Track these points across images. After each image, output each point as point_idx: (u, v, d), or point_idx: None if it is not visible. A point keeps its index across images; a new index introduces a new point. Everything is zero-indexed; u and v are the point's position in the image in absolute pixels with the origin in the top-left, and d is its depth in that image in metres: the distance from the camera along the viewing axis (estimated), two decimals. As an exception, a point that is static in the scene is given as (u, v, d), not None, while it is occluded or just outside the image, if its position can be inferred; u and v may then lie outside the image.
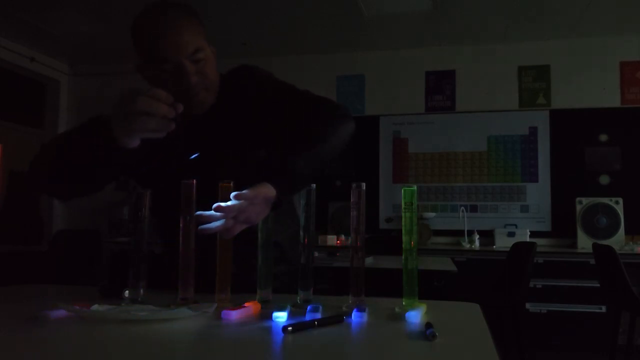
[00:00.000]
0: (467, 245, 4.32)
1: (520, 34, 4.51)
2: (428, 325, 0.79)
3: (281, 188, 1.01)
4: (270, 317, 0.89)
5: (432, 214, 4.60)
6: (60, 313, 0.89)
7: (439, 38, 4.64)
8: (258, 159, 1.18)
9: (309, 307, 0.93)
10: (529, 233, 4.29)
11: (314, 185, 1.01)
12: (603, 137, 4.43)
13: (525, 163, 4.56)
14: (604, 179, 4.39)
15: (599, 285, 3.30)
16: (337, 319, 0.88)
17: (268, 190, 0.99)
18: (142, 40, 1.14)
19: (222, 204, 0.93)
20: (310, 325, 0.83)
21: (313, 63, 5.03)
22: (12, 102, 5.15)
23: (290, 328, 0.79)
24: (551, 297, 3.86)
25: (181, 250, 1.03)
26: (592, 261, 3.46)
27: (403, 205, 0.98)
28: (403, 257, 0.97)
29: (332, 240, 4.37)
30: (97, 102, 5.30)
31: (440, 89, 4.81)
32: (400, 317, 0.91)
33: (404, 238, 0.98)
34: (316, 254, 3.01)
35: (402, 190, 0.98)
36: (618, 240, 4.03)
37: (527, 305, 3.86)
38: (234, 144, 1.24)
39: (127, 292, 1.03)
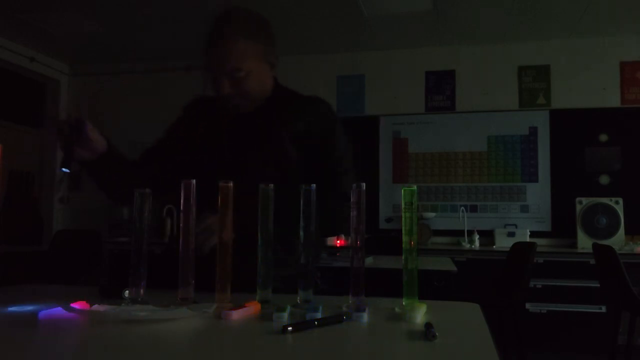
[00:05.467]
0: (467, 245, 4.32)
1: (520, 34, 4.51)
2: (428, 325, 0.79)
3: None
4: (270, 317, 0.89)
5: (432, 214, 4.60)
6: (60, 313, 0.89)
7: (439, 38, 4.64)
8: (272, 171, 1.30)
9: (309, 307, 0.93)
10: (529, 233, 4.29)
11: (314, 185, 1.02)
12: (603, 137, 4.43)
13: (525, 163, 4.56)
14: (604, 179, 4.39)
15: (599, 285, 3.30)
16: (337, 319, 0.88)
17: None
18: (203, 50, 1.33)
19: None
20: (310, 325, 0.83)
21: (313, 63, 5.03)
22: (12, 102, 5.15)
23: (290, 328, 0.80)
24: (551, 297, 3.86)
25: (181, 250, 1.03)
26: (592, 261, 3.46)
27: (403, 205, 0.98)
28: (403, 257, 0.97)
29: (332, 240, 4.37)
30: (97, 102, 5.33)
31: (440, 89, 4.81)
32: (400, 317, 0.91)
33: (404, 238, 0.98)
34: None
35: (402, 190, 0.98)
36: (618, 240, 4.03)
37: (527, 305, 3.86)
38: (259, 148, 1.34)
39: (127, 292, 1.03)
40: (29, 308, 0.96)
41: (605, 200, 4.15)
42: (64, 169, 1.17)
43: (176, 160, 1.39)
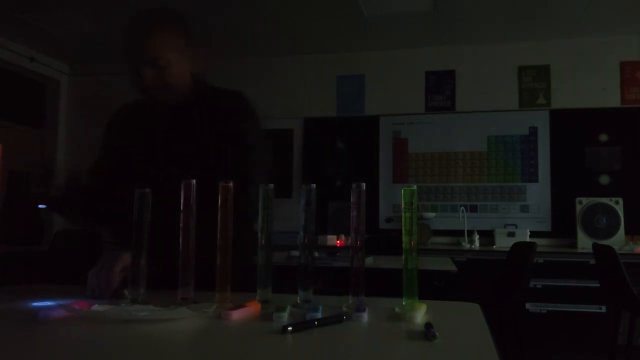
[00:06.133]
0: (467, 245, 4.31)
1: (520, 34, 4.51)
2: (428, 325, 0.79)
3: None
4: (270, 317, 0.89)
5: (432, 214, 4.60)
6: (60, 313, 0.89)
7: (439, 38, 4.64)
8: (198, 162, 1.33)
9: (308, 307, 0.93)
10: (529, 233, 4.29)
11: (314, 185, 1.02)
12: (603, 137, 4.43)
13: (525, 163, 4.56)
14: (604, 179, 4.39)
15: (599, 285, 3.30)
16: (337, 319, 0.88)
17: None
18: (123, 43, 1.35)
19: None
20: (310, 325, 0.83)
21: (313, 63, 5.03)
22: (12, 102, 5.15)
23: (290, 328, 0.80)
24: (551, 297, 3.86)
25: (181, 250, 1.03)
26: (592, 261, 3.46)
27: (403, 205, 0.98)
28: (403, 257, 0.97)
29: (332, 240, 4.37)
30: (97, 102, 5.32)
31: (440, 89, 4.81)
32: (400, 317, 0.91)
33: (404, 238, 0.98)
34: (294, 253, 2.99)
35: (402, 190, 0.98)
36: (618, 240, 4.03)
37: (527, 305, 3.86)
38: (183, 140, 1.39)
39: (126, 292, 1.03)
40: (29, 308, 0.96)
41: (605, 200, 4.15)
42: (41, 206, 1.35)
43: (119, 172, 1.41)
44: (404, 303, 0.96)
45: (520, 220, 4.50)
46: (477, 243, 4.30)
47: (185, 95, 1.41)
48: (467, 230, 4.44)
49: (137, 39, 1.33)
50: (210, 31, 4.50)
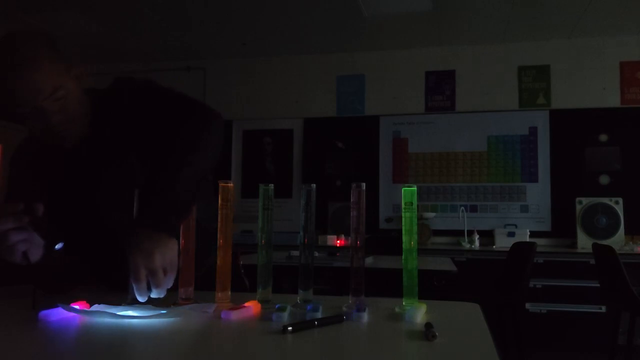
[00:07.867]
0: (467, 245, 4.31)
1: (520, 34, 4.51)
2: (428, 325, 0.79)
3: (167, 226, 1.00)
4: (270, 317, 0.90)
5: (432, 214, 4.60)
6: (60, 313, 0.89)
7: (439, 38, 4.64)
8: (139, 177, 1.15)
9: (308, 307, 0.93)
10: (529, 233, 4.29)
11: (314, 185, 1.02)
12: (603, 137, 4.43)
13: (525, 163, 4.56)
14: (604, 179, 4.39)
15: (599, 285, 3.30)
16: (337, 319, 0.88)
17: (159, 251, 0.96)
18: None
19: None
20: (310, 325, 0.83)
21: (313, 63, 5.03)
22: (12, 102, 5.14)
23: (290, 328, 0.80)
24: (551, 297, 3.86)
25: (182, 250, 1.03)
26: (592, 261, 3.46)
27: (403, 205, 0.98)
28: (403, 257, 0.97)
29: (332, 240, 4.37)
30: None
31: (440, 89, 4.81)
32: (400, 317, 0.91)
33: (404, 238, 0.98)
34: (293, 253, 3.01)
35: (402, 190, 0.98)
36: (618, 240, 4.03)
37: (527, 305, 3.86)
38: (115, 167, 1.22)
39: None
40: (29, 308, 0.96)
41: (605, 200, 4.15)
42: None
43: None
44: (404, 303, 0.96)
45: (520, 220, 4.50)
46: (477, 243, 4.30)
47: (90, 113, 1.22)
48: (467, 230, 4.44)
49: (20, 78, 1.03)
50: (209, 31, 4.50)
